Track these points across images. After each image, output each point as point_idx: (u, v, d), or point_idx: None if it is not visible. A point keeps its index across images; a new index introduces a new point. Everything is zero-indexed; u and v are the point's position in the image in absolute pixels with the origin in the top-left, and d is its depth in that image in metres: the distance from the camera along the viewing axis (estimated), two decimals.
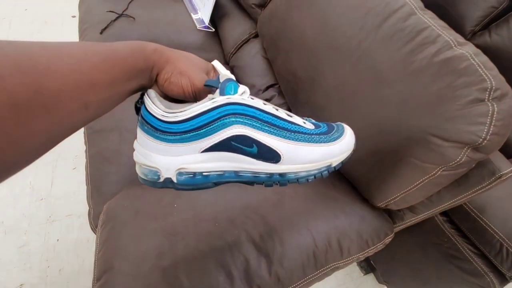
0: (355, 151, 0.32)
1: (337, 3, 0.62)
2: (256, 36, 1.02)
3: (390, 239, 0.62)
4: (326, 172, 0.30)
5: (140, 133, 0.31)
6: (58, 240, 1.07)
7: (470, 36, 0.79)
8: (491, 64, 0.51)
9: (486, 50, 0.54)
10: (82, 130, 0.87)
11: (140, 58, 0.28)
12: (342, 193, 0.61)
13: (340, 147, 0.30)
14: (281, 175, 0.29)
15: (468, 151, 0.49)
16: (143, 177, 0.31)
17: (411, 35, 0.54)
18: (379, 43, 0.56)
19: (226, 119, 0.28)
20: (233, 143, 0.29)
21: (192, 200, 0.57)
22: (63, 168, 1.22)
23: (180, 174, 0.29)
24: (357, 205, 0.60)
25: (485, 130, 0.47)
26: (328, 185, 0.62)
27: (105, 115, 0.26)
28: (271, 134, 0.29)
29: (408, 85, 0.52)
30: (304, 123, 0.32)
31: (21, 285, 0.98)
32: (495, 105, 0.47)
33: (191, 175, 0.29)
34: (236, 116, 0.28)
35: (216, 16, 1.14)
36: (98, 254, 0.51)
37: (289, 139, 0.29)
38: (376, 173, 0.56)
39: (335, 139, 0.30)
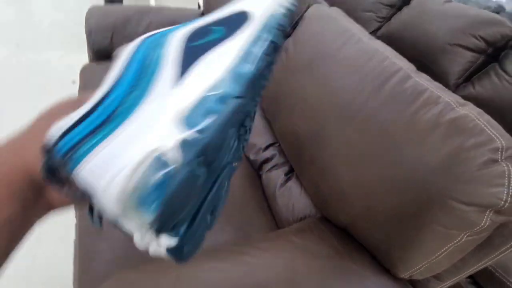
0: None
1: (335, 68, 0.64)
2: None
3: None
4: None
5: None
6: None
7: (454, 88, 0.80)
8: (495, 122, 0.51)
9: (472, 101, 0.55)
10: None
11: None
12: (361, 265, 0.55)
13: None
14: None
15: (491, 214, 0.46)
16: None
17: (412, 96, 0.55)
18: (382, 105, 0.56)
19: None
20: None
21: (194, 283, 0.50)
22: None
23: None
24: (379, 278, 0.54)
25: (505, 191, 0.45)
26: (344, 257, 0.56)
27: None
28: None
29: (418, 146, 0.50)
30: None
31: None
32: (509, 166, 0.46)
33: None
34: None
35: None
36: None
37: None
38: (396, 239, 0.52)
39: None
